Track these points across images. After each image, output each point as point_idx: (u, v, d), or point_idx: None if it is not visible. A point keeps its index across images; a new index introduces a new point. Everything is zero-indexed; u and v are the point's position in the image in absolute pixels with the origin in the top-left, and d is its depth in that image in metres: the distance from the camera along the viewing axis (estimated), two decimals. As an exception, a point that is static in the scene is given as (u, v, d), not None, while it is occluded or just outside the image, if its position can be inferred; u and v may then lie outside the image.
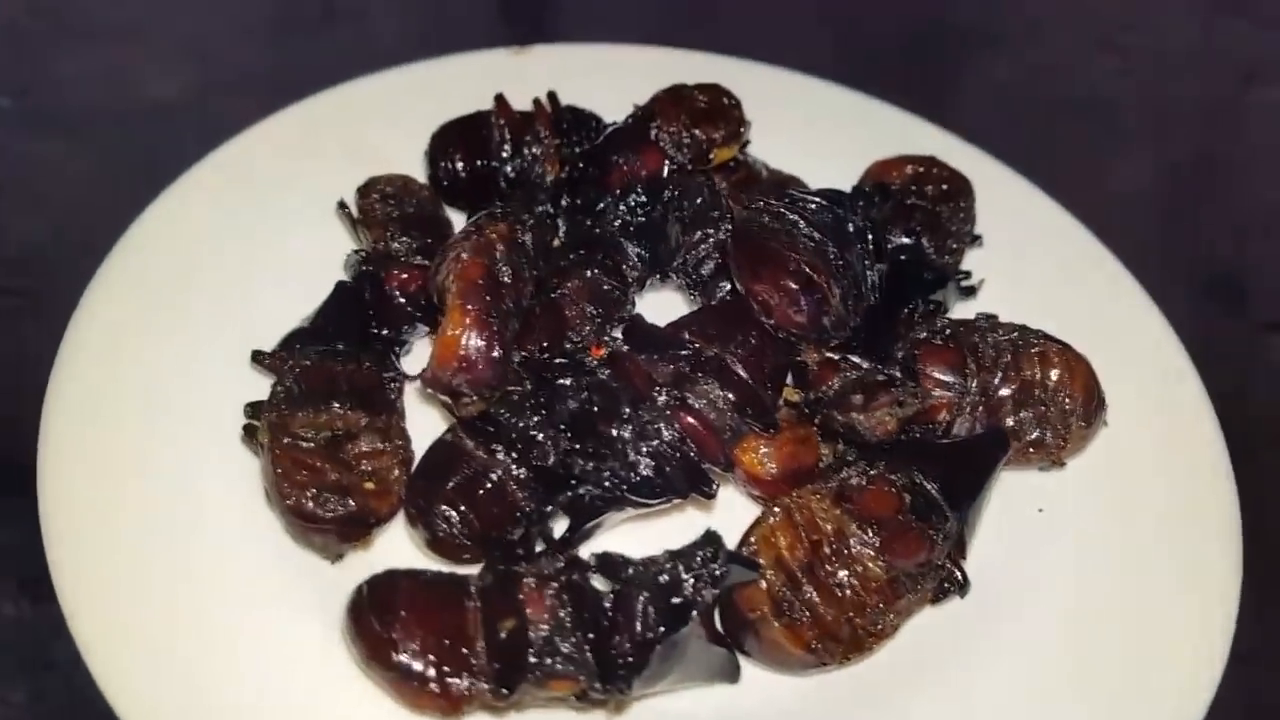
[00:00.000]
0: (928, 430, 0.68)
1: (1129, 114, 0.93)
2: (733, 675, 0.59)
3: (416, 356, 0.70)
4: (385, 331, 0.69)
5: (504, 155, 0.79)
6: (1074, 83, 0.89)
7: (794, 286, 0.64)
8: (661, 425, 0.62)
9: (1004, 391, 0.67)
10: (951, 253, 0.79)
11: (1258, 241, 0.93)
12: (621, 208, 0.74)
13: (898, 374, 0.65)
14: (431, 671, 0.52)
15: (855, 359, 0.66)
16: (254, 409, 0.64)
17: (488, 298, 0.62)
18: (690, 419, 0.62)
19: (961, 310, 0.76)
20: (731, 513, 0.65)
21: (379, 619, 0.53)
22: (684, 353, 0.64)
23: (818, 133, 0.89)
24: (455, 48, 0.90)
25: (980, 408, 0.68)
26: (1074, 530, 0.68)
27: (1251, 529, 0.68)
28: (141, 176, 0.77)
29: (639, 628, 0.54)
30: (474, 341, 0.61)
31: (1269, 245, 0.92)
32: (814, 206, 0.70)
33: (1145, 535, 0.67)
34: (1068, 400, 0.68)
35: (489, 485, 0.61)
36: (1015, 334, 0.70)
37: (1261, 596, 0.66)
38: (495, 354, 0.62)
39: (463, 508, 0.60)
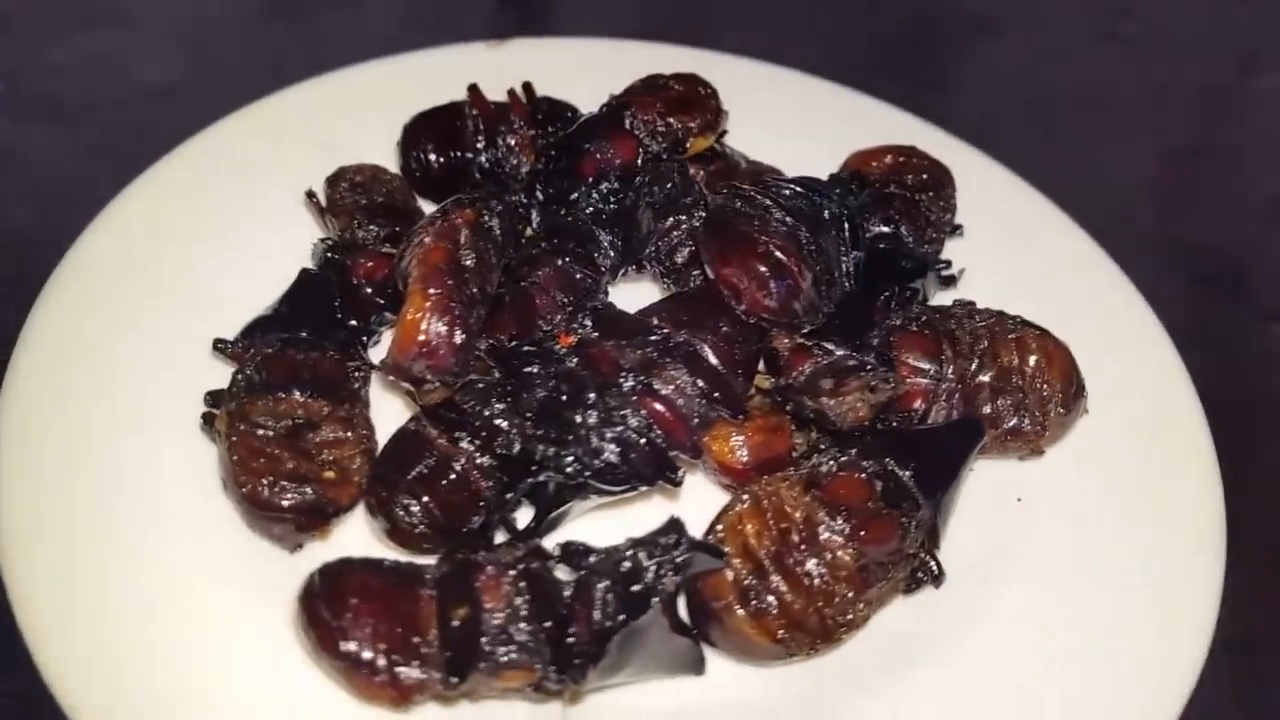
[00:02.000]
0: (903, 418, 0.66)
1: (1128, 102, 0.93)
2: (697, 667, 0.57)
3: (383, 346, 0.69)
4: (352, 320, 0.68)
5: (478, 146, 0.78)
6: (1074, 71, 0.88)
7: (763, 270, 0.63)
8: (628, 412, 0.61)
9: (981, 378, 0.66)
10: (931, 242, 0.78)
11: (1257, 229, 0.92)
12: (594, 196, 0.73)
13: (870, 360, 0.64)
14: (381, 660, 0.50)
15: (828, 345, 0.65)
16: (214, 398, 0.63)
17: (450, 282, 0.61)
18: (657, 405, 0.61)
19: (941, 299, 0.75)
20: (703, 501, 0.64)
21: (329, 607, 0.51)
22: (652, 338, 0.63)
23: (797, 124, 0.88)
24: (453, 34, 0.90)
25: (957, 395, 0.66)
26: (1053, 521, 0.66)
27: (1251, 517, 0.67)
28: (131, 162, 0.76)
29: (597, 616, 0.52)
30: (436, 326, 0.60)
31: (1269, 233, 0.91)
32: (789, 193, 0.69)
33: (1126, 525, 0.66)
34: (1046, 387, 0.66)
35: (452, 475, 0.60)
36: (993, 320, 0.68)
37: (1258, 584, 0.65)
38: (457, 339, 0.61)
39: (424, 498, 0.59)
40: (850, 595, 0.58)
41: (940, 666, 0.60)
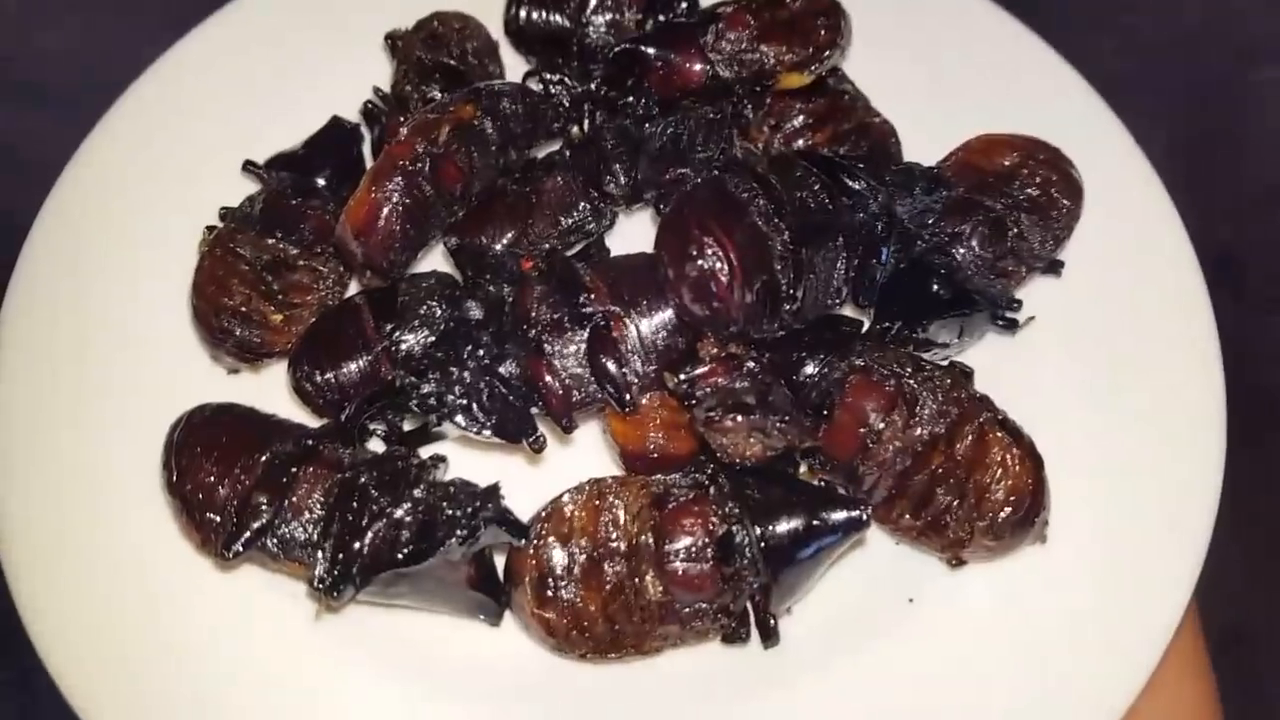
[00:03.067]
0: (832, 466, 0.60)
1: (1129, 94, 0.79)
2: (493, 617, 0.59)
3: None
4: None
5: (583, 17, 0.74)
6: (1075, 63, 0.75)
7: (693, 271, 0.58)
8: (513, 363, 0.60)
9: (929, 457, 0.58)
10: (1008, 275, 0.65)
11: (1258, 222, 0.90)
12: (629, 118, 0.68)
13: (783, 400, 0.57)
14: (197, 512, 0.57)
15: (753, 367, 0.59)
16: (222, 213, 0.70)
17: (400, 180, 0.61)
18: (543, 369, 0.60)
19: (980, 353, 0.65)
20: (590, 469, 0.62)
21: (178, 448, 0.59)
22: (576, 303, 0.60)
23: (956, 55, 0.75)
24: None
25: (897, 463, 0.58)
26: (919, 635, 0.59)
27: (1251, 509, 0.65)
28: None
29: (379, 545, 0.55)
30: (373, 216, 0.62)
31: (1269, 226, 0.92)
32: (816, 186, 0.60)
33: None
34: (987, 498, 0.57)
35: (362, 360, 0.63)
36: (969, 404, 0.58)
37: (1258, 575, 0.66)
38: (394, 231, 0.62)
39: (329, 373, 0.63)
40: (643, 624, 0.57)
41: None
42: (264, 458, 0.58)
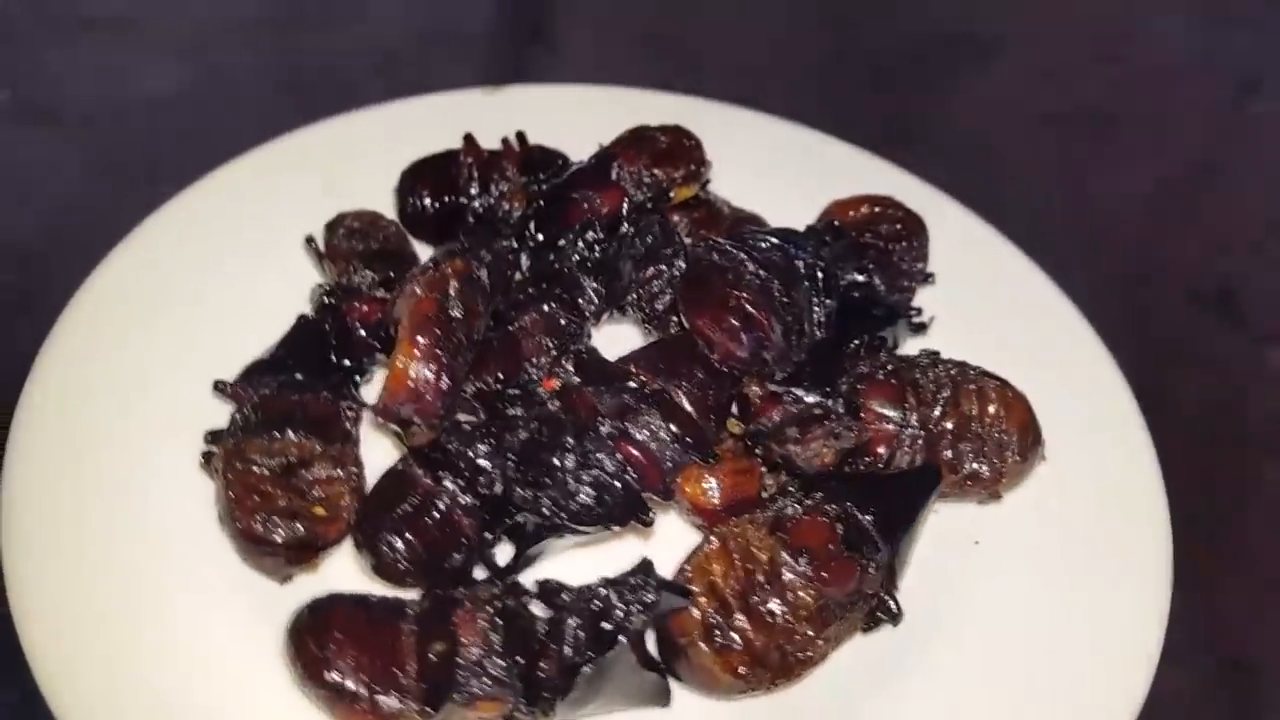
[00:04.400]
0: (869, 463, 0.69)
1: (1127, 124, 0.93)
2: (663, 699, 0.60)
3: (375, 386, 0.73)
4: (345, 361, 0.72)
5: (472, 192, 0.82)
6: (1073, 93, 0.89)
7: (735, 323, 0.67)
8: (603, 455, 0.64)
9: (943, 425, 0.69)
10: (903, 290, 0.81)
11: (1254, 253, 0.92)
12: (580, 244, 0.76)
13: (836, 408, 0.67)
14: (363, 690, 0.54)
15: (798, 392, 0.68)
16: (214, 436, 0.67)
17: (438, 331, 0.64)
18: (632, 449, 0.64)
19: (912, 346, 0.78)
20: (675, 540, 0.67)
21: (315, 639, 0.55)
22: (630, 385, 0.66)
23: (780, 172, 0.91)
24: (455, 46, 0.90)
25: (920, 441, 0.69)
26: (1008, 564, 0.69)
27: (1245, 538, 0.68)
28: (133, 172, 0.77)
29: (568, 651, 0.55)
30: (423, 374, 0.64)
31: (1265, 257, 0.92)
32: (765, 245, 0.72)
33: (1079, 570, 0.69)
34: (1004, 435, 0.70)
35: (435, 514, 0.63)
36: (955, 370, 0.72)
37: (1256, 605, 0.67)
38: (443, 386, 0.64)
39: (408, 535, 0.62)
40: (810, 634, 0.61)
41: (895, 700, 0.63)
42: (409, 626, 0.56)
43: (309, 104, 0.89)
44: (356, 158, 0.88)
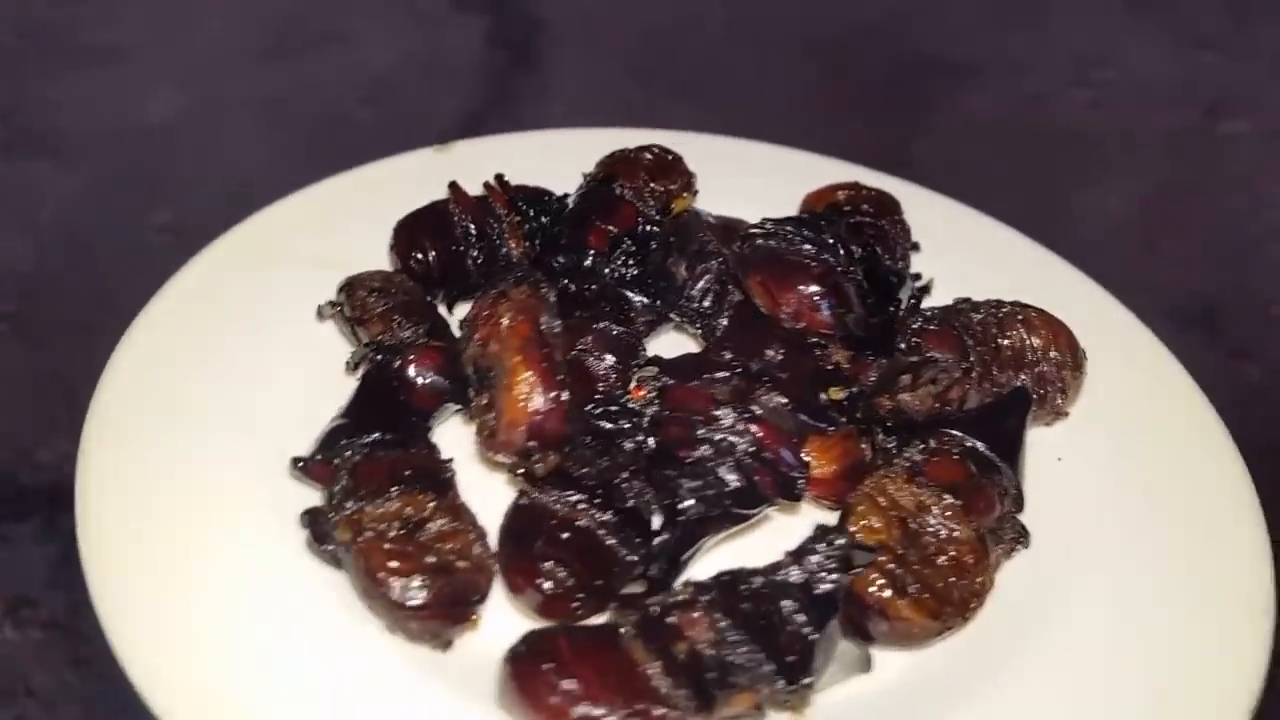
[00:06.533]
0: (948, 408, 0.72)
1: (1102, 146, 0.96)
2: (866, 665, 0.59)
3: (446, 433, 0.69)
4: (412, 417, 0.67)
5: (471, 239, 0.80)
6: (1049, 116, 0.90)
7: (819, 289, 0.69)
8: (736, 439, 0.63)
9: (1004, 357, 0.74)
10: (901, 258, 0.86)
11: (1227, 269, 0.95)
12: (615, 262, 0.76)
13: (920, 356, 0.70)
14: (616, 715, 0.50)
15: (873, 355, 0.70)
16: (312, 516, 0.60)
17: (545, 350, 0.62)
18: (762, 427, 0.64)
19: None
20: (785, 528, 0.66)
21: (548, 668, 0.50)
22: (737, 370, 0.66)
23: (760, 190, 0.93)
24: (445, 73, 0.91)
25: (985, 380, 0.73)
26: (1098, 477, 0.73)
27: None
28: (131, 200, 0.78)
29: (800, 624, 0.54)
30: (542, 397, 0.61)
31: (1239, 275, 0.94)
32: (789, 230, 0.75)
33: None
34: (1056, 355, 0.75)
35: (578, 533, 0.60)
36: (993, 308, 0.77)
37: None
38: (563, 406, 0.61)
39: (563, 559, 0.59)
40: (974, 565, 0.63)
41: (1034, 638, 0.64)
42: (630, 639, 0.53)
43: (302, 132, 0.91)
44: (323, 227, 0.83)
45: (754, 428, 0.64)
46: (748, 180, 0.94)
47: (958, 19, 1.19)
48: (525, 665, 0.51)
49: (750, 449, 0.63)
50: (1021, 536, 0.67)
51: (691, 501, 0.61)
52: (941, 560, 0.62)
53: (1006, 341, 0.74)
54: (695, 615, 0.54)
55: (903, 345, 0.73)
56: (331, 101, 0.87)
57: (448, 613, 0.57)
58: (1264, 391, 0.76)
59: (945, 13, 1.19)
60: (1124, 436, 0.75)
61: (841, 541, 0.58)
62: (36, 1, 0.97)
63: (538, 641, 0.52)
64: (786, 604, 0.55)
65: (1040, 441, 0.74)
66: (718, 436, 0.64)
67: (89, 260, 0.72)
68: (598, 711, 0.50)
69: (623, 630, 0.54)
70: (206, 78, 0.97)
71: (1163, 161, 1.04)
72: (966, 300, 0.78)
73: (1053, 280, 0.85)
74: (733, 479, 0.62)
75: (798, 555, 0.58)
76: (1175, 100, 1.09)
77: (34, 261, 0.74)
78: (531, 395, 0.61)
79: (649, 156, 0.83)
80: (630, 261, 0.76)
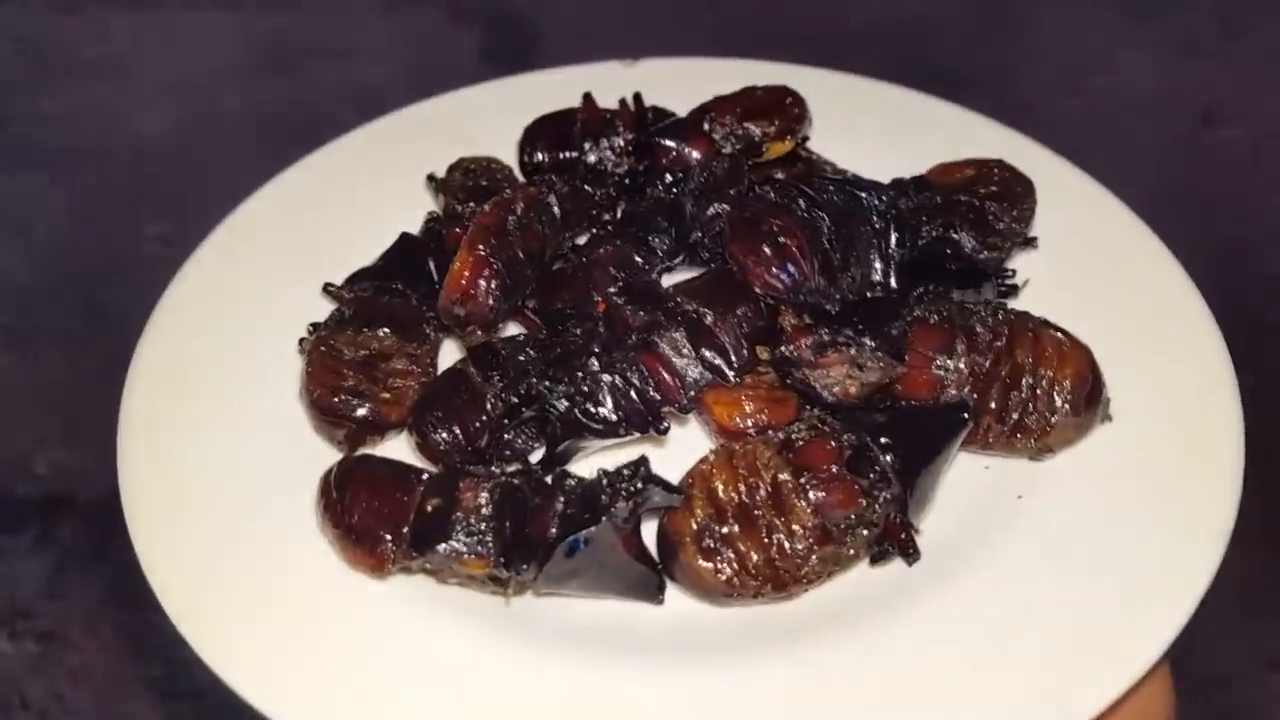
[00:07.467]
0: (911, 406, 0.68)
1: (1094, 154, 0.90)
2: (654, 595, 0.63)
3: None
4: (434, 281, 0.80)
5: (585, 147, 0.88)
6: (1041, 124, 0.85)
7: (768, 252, 0.68)
8: (627, 365, 0.68)
9: (995, 372, 0.67)
10: (996, 249, 0.78)
11: (1217, 274, 0.90)
12: (658, 188, 0.81)
13: (865, 341, 0.67)
14: (366, 533, 0.60)
15: (836, 329, 0.68)
16: (314, 328, 0.77)
17: (493, 241, 0.71)
18: (654, 361, 0.67)
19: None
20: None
21: (338, 487, 0.62)
22: (667, 306, 0.69)
23: (887, 136, 0.90)
24: (439, 87, 0.96)
25: (967, 388, 0.67)
26: (1046, 523, 0.65)
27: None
28: (125, 213, 0.80)
29: (550, 523, 0.59)
30: (474, 278, 0.70)
31: (1232, 281, 0.95)
32: (831, 188, 0.73)
33: (1120, 539, 0.64)
34: (1057, 386, 0.66)
35: (480, 408, 0.69)
36: (1015, 318, 0.69)
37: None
38: (495, 290, 0.70)
39: (453, 426, 0.69)
40: (802, 550, 0.61)
41: (898, 632, 0.62)
42: (419, 484, 0.62)
43: (296, 146, 0.91)
44: (490, 122, 0.96)
45: (652, 360, 0.68)
46: (891, 132, 0.91)
47: (950, 29, 1.19)
48: (330, 475, 0.63)
49: (637, 378, 0.67)
50: (905, 554, 0.63)
51: (564, 406, 0.67)
52: (769, 537, 0.62)
53: (1008, 356, 0.67)
54: (478, 487, 0.62)
55: (893, 332, 0.70)
56: (325, 116, 0.86)
57: (351, 429, 0.70)
58: (1257, 398, 0.72)
59: (938, 23, 1.19)
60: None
61: (641, 475, 0.61)
62: (31, 17, 0.99)
63: (349, 466, 0.64)
64: (559, 503, 0.60)
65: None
66: (615, 357, 0.68)
67: (83, 273, 0.74)
68: (355, 524, 0.61)
69: (425, 476, 0.63)
70: (200, 92, 0.99)
71: (1153, 170, 1.05)
72: (997, 305, 0.71)
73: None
74: (603, 396, 0.67)
75: (607, 474, 0.62)
76: (1167, 110, 1.12)
77: (29, 274, 0.74)
78: (465, 273, 0.70)
79: (761, 95, 0.85)
80: (671, 191, 0.80)
